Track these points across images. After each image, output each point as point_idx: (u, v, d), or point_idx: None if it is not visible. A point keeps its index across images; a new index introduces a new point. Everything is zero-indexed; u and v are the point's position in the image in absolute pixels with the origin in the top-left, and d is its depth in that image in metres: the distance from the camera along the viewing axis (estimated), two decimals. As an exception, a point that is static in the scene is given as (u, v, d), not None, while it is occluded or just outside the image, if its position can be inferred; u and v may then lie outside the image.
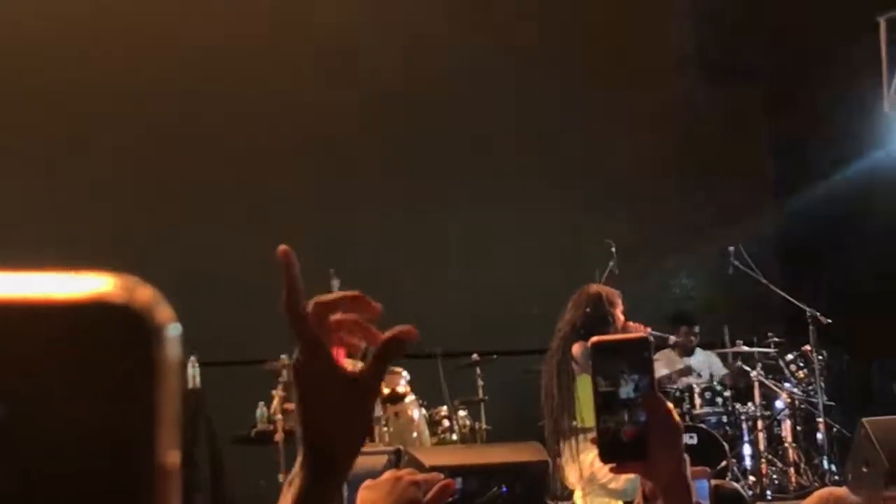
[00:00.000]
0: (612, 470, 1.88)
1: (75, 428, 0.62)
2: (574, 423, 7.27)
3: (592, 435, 1.87)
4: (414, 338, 1.34)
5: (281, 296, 1.32)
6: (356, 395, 1.34)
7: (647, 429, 1.82)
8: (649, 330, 7.53)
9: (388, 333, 1.33)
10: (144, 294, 0.65)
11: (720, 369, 10.47)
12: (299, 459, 1.34)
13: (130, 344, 0.63)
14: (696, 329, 10.64)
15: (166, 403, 0.64)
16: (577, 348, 7.23)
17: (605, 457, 1.85)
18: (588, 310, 7.37)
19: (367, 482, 2.41)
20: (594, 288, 7.72)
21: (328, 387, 1.33)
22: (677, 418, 1.90)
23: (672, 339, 9.77)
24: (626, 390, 1.82)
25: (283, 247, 1.31)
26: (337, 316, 1.36)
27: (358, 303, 1.38)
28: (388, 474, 2.40)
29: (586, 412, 7.13)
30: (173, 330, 0.65)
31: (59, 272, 0.65)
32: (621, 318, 7.44)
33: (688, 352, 10.53)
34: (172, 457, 0.64)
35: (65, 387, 0.62)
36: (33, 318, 0.62)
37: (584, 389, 7.17)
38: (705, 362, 10.52)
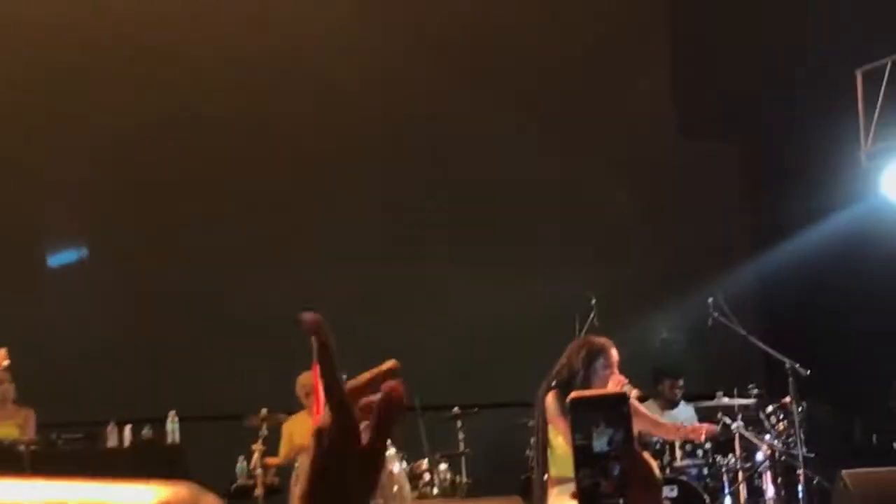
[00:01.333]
0: (592, 524, 1.88)
1: None
2: (547, 474, 7.25)
3: (573, 489, 1.87)
4: (397, 394, 1.30)
5: (316, 365, 1.27)
6: (365, 469, 1.29)
7: (624, 482, 1.83)
8: (626, 381, 7.48)
9: (378, 399, 1.29)
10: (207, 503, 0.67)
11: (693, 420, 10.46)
12: None
13: None
14: (681, 382, 10.64)
15: None
16: (548, 399, 7.23)
17: None
18: (563, 361, 7.36)
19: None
20: (581, 340, 7.67)
21: (348, 460, 1.28)
22: (656, 471, 1.91)
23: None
24: (599, 444, 1.83)
25: (309, 315, 1.28)
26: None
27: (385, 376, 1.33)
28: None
29: (558, 463, 7.13)
30: None
31: (129, 482, 0.66)
32: (608, 370, 7.32)
33: (672, 404, 10.53)
34: None
35: None
36: None
37: (556, 440, 7.19)
38: (687, 416, 10.51)
